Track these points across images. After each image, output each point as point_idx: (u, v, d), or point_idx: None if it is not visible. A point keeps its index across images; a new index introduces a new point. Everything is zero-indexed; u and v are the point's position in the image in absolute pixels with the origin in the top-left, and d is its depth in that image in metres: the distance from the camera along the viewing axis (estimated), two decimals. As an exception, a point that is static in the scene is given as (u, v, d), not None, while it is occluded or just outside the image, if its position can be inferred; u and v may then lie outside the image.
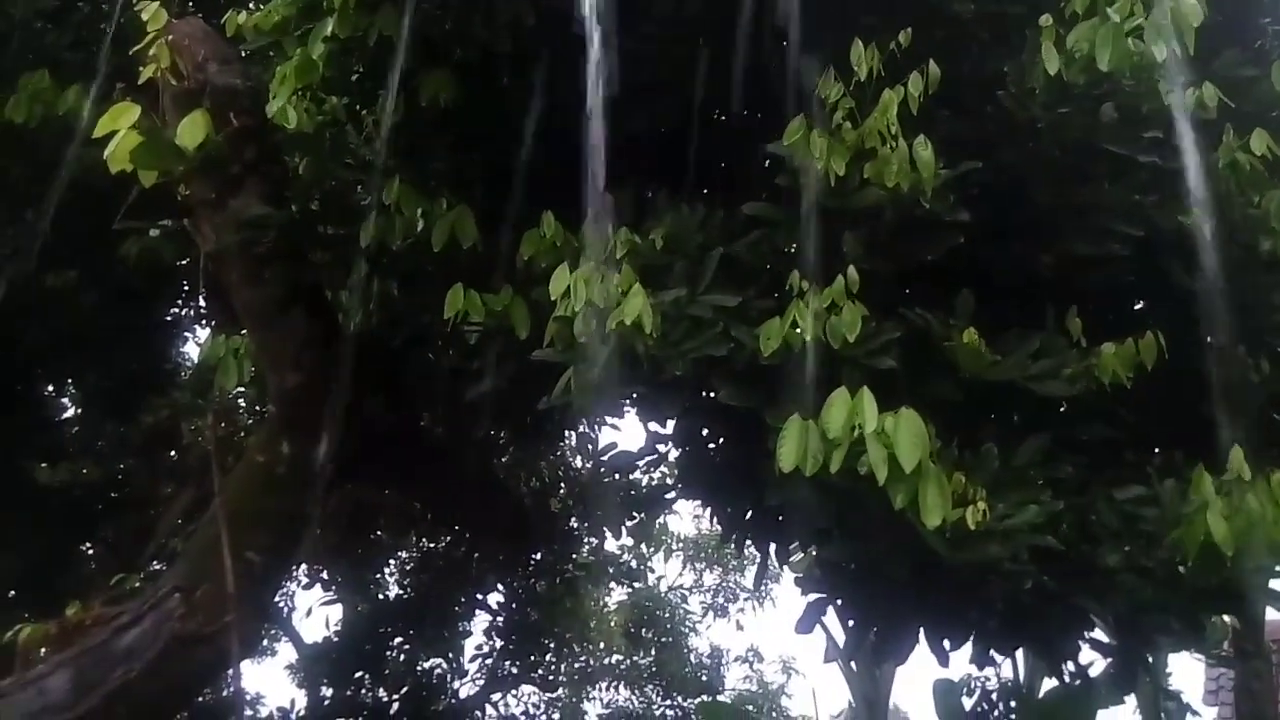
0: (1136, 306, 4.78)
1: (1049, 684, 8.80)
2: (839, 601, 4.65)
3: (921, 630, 4.43)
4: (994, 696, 8.84)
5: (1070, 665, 4.78)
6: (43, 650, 5.33)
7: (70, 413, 9.94)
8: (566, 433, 9.44)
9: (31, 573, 8.77)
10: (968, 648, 4.53)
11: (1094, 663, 5.01)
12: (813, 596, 4.57)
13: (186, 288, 8.36)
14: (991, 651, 4.73)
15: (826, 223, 3.98)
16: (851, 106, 3.93)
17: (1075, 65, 4.14)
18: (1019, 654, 8.10)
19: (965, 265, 4.21)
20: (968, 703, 8.98)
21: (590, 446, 10.56)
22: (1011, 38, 4.40)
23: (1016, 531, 3.69)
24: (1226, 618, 4.56)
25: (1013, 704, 8.82)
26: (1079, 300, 4.31)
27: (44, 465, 9.18)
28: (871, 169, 3.85)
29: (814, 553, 4.65)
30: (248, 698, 11.12)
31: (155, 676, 5.27)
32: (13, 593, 8.90)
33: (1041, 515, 3.72)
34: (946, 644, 4.45)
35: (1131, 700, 9.24)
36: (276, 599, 10.51)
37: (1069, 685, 5.34)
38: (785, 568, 6.05)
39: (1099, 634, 4.69)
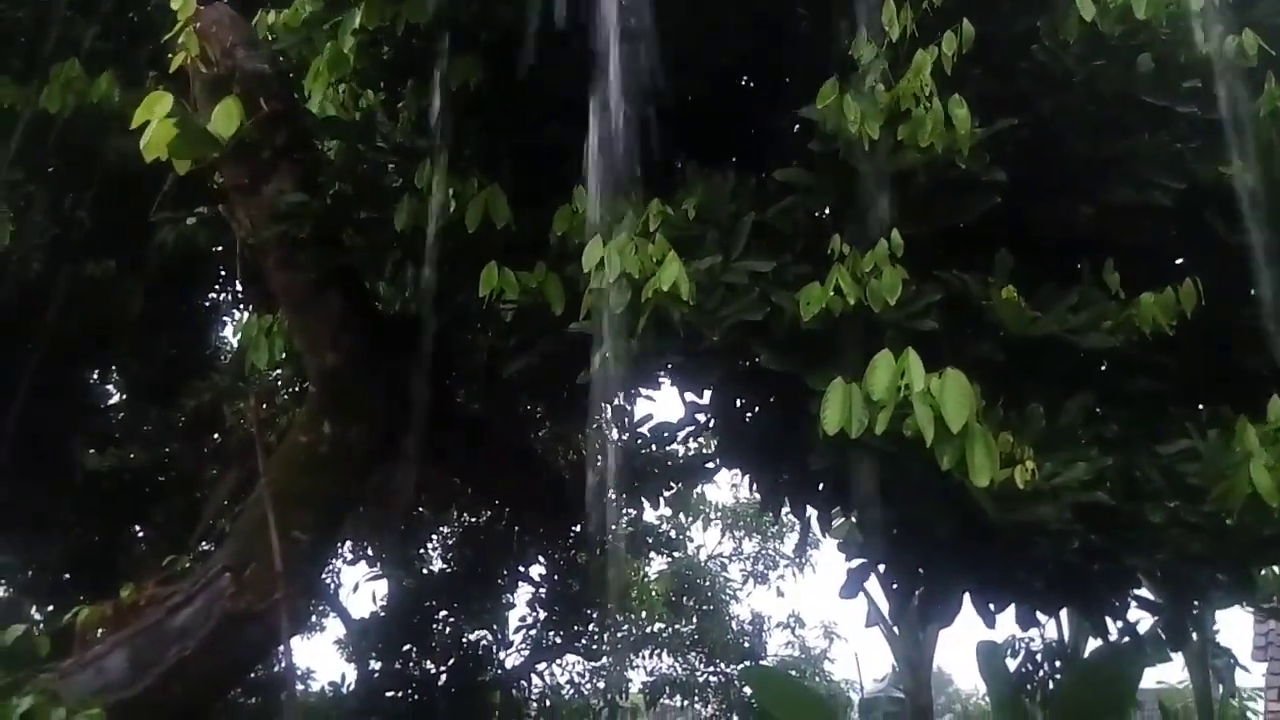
0: (1178, 261, 4.71)
1: (1094, 643, 8.77)
2: (882, 566, 4.65)
3: (966, 593, 4.43)
4: (1039, 657, 8.83)
5: (1117, 623, 4.77)
6: (100, 631, 5.45)
7: (115, 399, 10.12)
8: (603, 406, 9.46)
9: (85, 556, 8.98)
10: (1012, 609, 4.53)
11: (1141, 620, 5.00)
12: (856, 562, 4.58)
13: (223, 273, 8.45)
14: (1037, 612, 4.72)
15: (861, 186, 3.95)
16: (884, 68, 3.88)
17: (1110, 15, 4.06)
18: (1063, 613, 8.08)
19: (1001, 223, 4.16)
20: (1012, 664, 8.97)
21: (626, 419, 10.59)
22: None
23: (1065, 490, 3.68)
24: (1278, 569, 4.52)
25: (1058, 664, 8.80)
26: (1117, 255, 4.25)
27: (92, 451, 9.36)
28: (906, 130, 3.81)
29: (855, 518, 4.65)
30: (299, 673, 11.36)
31: (209, 654, 5.39)
32: (68, 575, 9.11)
33: (1090, 473, 3.70)
34: (992, 606, 4.45)
35: (1180, 658, 9.20)
36: (323, 576, 10.68)
37: (1116, 643, 5.31)
38: (826, 534, 6.06)
39: (1145, 592, 4.68)
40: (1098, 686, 8.18)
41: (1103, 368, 4.31)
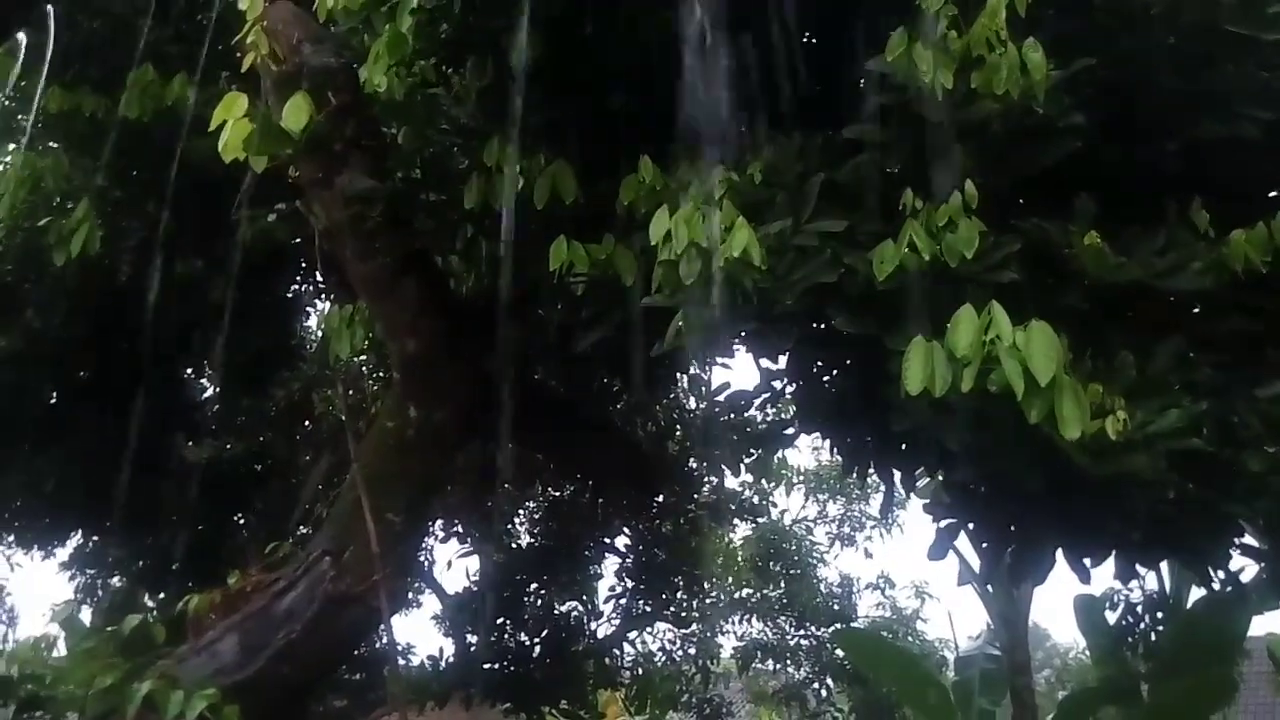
0: (1270, 194, 4.52)
1: (1197, 593, 8.54)
2: (971, 525, 4.59)
3: (1059, 548, 4.34)
4: (1139, 609, 8.64)
5: (1219, 572, 4.63)
6: (210, 617, 5.68)
7: (208, 393, 10.44)
8: (679, 376, 9.49)
9: (192, 545, 9.32)
10: (1109, 562, 4.43)
11: (1245, 569, 4.85)
12: (944, 522, 4.52)
13: (303, 266, 8.65)
14: (1135, 564, 4.61)
15: (934, 138, 3.86)
16: (955, 14, 3.77)
17: (1188, -58, 3.90)
18: (1164, 564, 7.87)
19: (1081, 167, 4.04)
20: (1111, 617, 8.80)
21: (703, 388, 10.60)
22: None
23: (1158, 438, 3.57)
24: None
25: (1159, 615, 8.60)
26: (1205, 193, 4.10)
27: (190, 444, 9.69)
28: (979, 78, 3.71)
29: (942, 477, 4.60)
30: (399, 648, 11.65)
31: (314, 635, 5.58)
32: (176, 565, 9.48)
33: (1183, 419, 3.59)
34: (1086, 560, 4.36)
35: (1288, 605, 8.89)
36: (418, 555, 10.93)
37: (1219, 593, 5.16)
38: (911, 495, 6.00)
39: (1250, 539, 4.53)
40: (1202, 637, 7.98)
41: (1194, 310, 4.17)
